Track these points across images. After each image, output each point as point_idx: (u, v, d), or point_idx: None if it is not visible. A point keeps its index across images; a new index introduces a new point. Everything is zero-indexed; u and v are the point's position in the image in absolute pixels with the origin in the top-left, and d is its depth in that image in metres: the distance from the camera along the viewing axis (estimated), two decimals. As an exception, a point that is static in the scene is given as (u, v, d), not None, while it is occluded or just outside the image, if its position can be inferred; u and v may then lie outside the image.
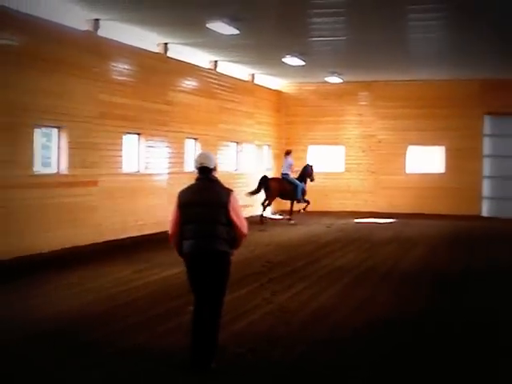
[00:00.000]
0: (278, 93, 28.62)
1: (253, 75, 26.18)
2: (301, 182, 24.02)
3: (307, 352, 7.99)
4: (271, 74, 26.76)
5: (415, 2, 14.60)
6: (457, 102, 26.67)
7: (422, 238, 19.97)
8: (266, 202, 23.83)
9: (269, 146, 27.91)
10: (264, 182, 23.58)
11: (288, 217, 24.07)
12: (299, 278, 12.89)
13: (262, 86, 27.07)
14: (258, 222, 22.76)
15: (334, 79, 26.19)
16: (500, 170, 27.07)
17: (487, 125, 27.14)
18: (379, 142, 27.70)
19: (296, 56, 21.09)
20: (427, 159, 27.50)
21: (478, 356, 7.92)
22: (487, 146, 27.16)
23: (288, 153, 24.38)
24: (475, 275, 13.76)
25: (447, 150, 27.13)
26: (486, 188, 27.21)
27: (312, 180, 24.45)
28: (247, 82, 25.81)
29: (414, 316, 9.96)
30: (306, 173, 24.36)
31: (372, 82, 27.38)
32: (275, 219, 25.39)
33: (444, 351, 8.02)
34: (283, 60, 21.71)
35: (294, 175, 24.14)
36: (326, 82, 26.97)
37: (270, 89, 28.00)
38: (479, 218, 26.19)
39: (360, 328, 9.15)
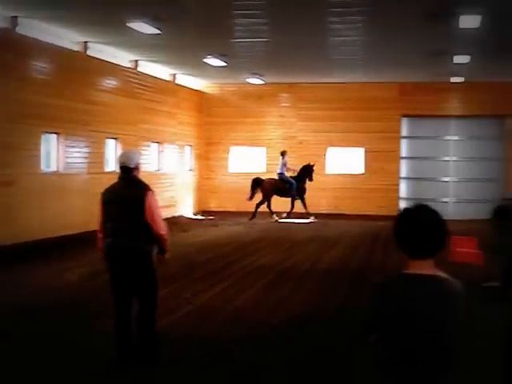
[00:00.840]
0: (200, 93, 28.60)
1: (174, 75, 26.09)
2: (299, 181, 25.04)
3: (226, 351, 8.04)
4: (193, 75, 26.73)
5: (335, 5, 14.81)
6: (376, 105, 27.17)
7: (342, 237, 20.29)
8: (261, 202, 25.14)
9: (191, 146, 27.86)
10: (256, 184, 25.07)
11: (285, 214, 25.17)
12: (220, 278, 12.95)
13: (183, 86, 27.00)
14: (250, 218, 24.63)
15: (256, 80, 26.34)
16: (416, 172, 27.75)
17: (405, 127, 27.78)
18: (300, 143, 27.97)
19: (217, 57, 21.13)
20: (347, 160, 27.91)
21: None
22: (404, 147, 27.79)
23: (283, 153, 25.25)
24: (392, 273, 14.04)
25: (366, 152, 27.60)
26: (403, 189, 27.84)
27: (311, 180, 25.30)
28: (169, 82, 25.71)
29: (332, 314, 10.13)
30: (306, 172, 25.34)
31: (293, 84, 27.63)
32: (197, 219, 25.37)
33: (349, 349, 8.12)
34: (205, 60, 21.72)
35: (290, 173, 25.27)
36: (247, 83, 27.09)
37: (192, 89, 27.96)
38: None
39: (279, 326, 9.27)
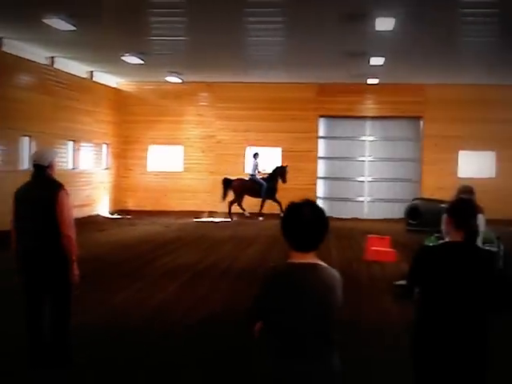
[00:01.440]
0: (118, 91, 28.27)
1: (91, 73, 25.71)
2: (270, 181, 25.53)
3: (139, 352, 7.98)
4: (110, 72, 26.40)
5: (253, 5, 14.87)
6: (294, 105, 27.39)
7: (259, 236, 20.38)
8: (233, 200, 25.76)
9: (108, 144, 27.51)
10: (227, 184, 25.59)
11: (259, 213, 25.74)
12: (136, 278, 12.83)
13: (100, 84, 26.64)
14: (227, 216, 25.35)
15: (174, 79, 26.20)
16: (333, 171, 28.13)
17: (322, 127, 28.12)
18: (218, 142, 27.98)
19: (135, 55, 20.93)
20: (266, 160, 28.01)
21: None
22: (322, 147, 28.12)
23: (255, 155, 25.95)
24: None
25: (284, 152, 27.80)
26: (321, 188, 28.18)
27: (284, 181, 25.68)
28: (86, 79, 25.32)
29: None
30: (277, 173, 25.78)
31: (212, 83, 27.59)
32: (114, 219, 25.08)
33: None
34: (122, 58, 21.48)
35: (260, 175, 25.91)
36: (166, 82, 26.92)
37: (110, 87, 27.61)
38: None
39: (194, 326, 9.25)
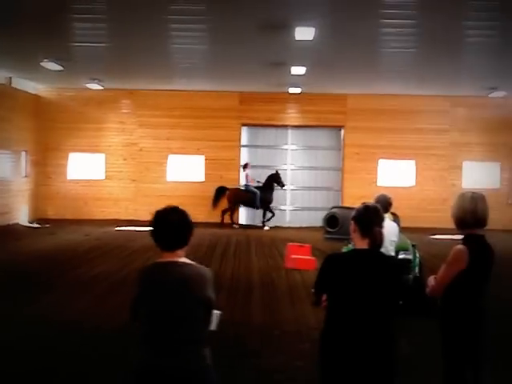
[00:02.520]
0: (37, 97, 27.72)
1: (10, 78, 25.15)
2: (264, 191, 25.59)
3: (52, 363, 7.82)
4: (29, 79, 25.88)
5: (176, 12, 14.76)
6: (216, 113, 27.37)
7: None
8: (226, 209, 25.90)
9: (26, 152, 26.93)
10: (220, 192, 25.81)
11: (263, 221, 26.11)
12: (52, 288, 12.57)
13: (19, 90, 26.07)
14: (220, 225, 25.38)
15: (95, 86, 25.85)
16: (256, 179, 28.17)
17: (244, 135, 28.19)
18: (140, 150, 27.73)
19: (54, 61, 20.54)
20: (188, 168, 27.93)
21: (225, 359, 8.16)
22: (244, 156, 28.18)
23: (245, 166, 26.16)
24: (228, 282, 14.17)
25: (206, 160, 27.75)
26: (244, 197, 28.19)
27: (282, 186, 25.95)
28: (4, 85, 24.75)
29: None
30: (272, 182, 25.86)
31: (134, 90, 27.35)
32: (33, 227, 24.55)
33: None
34: (41, 64, 21.06)
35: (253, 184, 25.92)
36: (86, 89, 26.54)
37: (29, 93, 27.05)
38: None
39: (111, 336, 9.10)
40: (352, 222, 4.70)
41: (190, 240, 4.52)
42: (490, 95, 25.43)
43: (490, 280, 5.43)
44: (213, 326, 4.60)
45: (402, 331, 9.38)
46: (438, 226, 23.99)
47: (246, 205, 26.38)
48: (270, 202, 26.02)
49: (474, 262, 5.19)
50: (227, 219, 25.91)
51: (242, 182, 26.46)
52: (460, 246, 5.25)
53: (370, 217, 4.68)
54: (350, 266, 4.63)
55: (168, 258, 4.41)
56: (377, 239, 4.64)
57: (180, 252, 4.47)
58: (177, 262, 4.39)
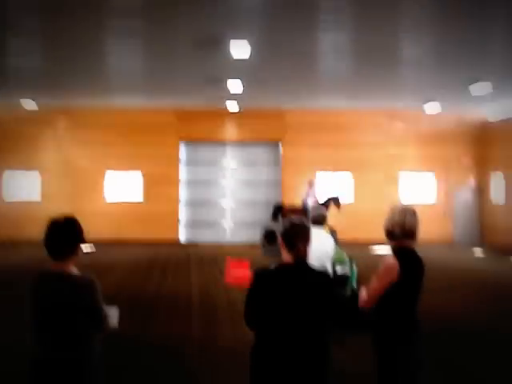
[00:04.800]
0: None
1: None
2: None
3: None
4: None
5: (111, 29, 14.59)
6: (154, 129, 27.21)
7: (120, 263, 20.02)
8: None
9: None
10: (278, 210, 23.98)
11: None
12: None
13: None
14: None
15: (29, 103, 25.27)
16: (196, 196, 28.08)
17: (183, 152, 28.06)
18: (76, 168, 27.28)
19: None
20: (126, 186, 27.62)
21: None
22: (183, 172, 28.05)
23: (310, 183, 24.62)
24: (167, 299, 14.02)
25: (145, 177, 27.51)
26: (184, 213, 28.04)
27: (339, 208, 24.21)
28: None
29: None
30: (329, 203, 24.14)
31: (70, 108, 26.92)
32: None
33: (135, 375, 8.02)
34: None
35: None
36: (20, 106, 25.94)
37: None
38: (177, 243, 26.85)
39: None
40: (280, 237, 4.70)
41: (78, 250, 4.69)
42: (425, 108, 25.83)
43: (421, 292, 5.44)
44: (113, 324, 4.88)
45: (340, 344, 9.40)
46: (375, 238, 24.21)
47: None
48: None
49: (405, 274, 5.21)
50: None
51: (304, 199, 25.02)
52: (390, 259, 5.27)
53: (296, 232, 4.66)
54: (276, 280, 4.60)
55: (55, 266, 4.62)
56: (300, 254, 4.63)
57: (69, 261, 4.65)
58: (62, 272, 4.59)
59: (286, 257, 4.66)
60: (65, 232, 4.64)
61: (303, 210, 25.19)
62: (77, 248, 4.69)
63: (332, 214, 24.06)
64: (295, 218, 4.83)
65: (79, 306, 4.51)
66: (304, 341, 4.49)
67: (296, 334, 4.49)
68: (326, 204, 25.38)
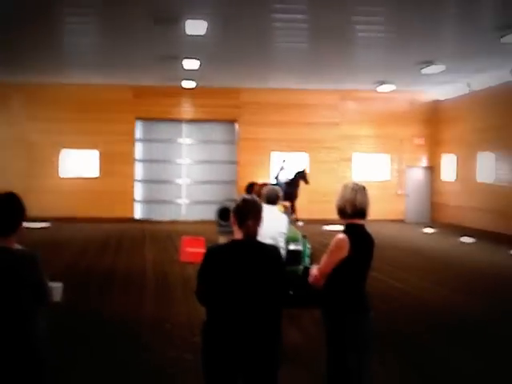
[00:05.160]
0: None
1: None
2: (290, 187, 25.13)
3: None
4: None
5: (68, 4, 14.51)
6: (110, 107, 27.04)
7: (75, 240, 20.01)
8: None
9: None
10: (250, 189, 24.08)
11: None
12: None
13: None
14: None
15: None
16: (151, 174, 28.07)
17: (139, 130, 27.99)
18: (31, 144, 27.05)
19: None
20: (82, 163, 27.46)
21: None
22: (139, 150, 28.00)
23: (283, 162, 26.24)
24: (122, 275, 14.09)
25: (101, 154, 27.40)
26: (139, 191, 28.03)
27: (307, 183, 25.76)
28: None
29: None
30: (298, 178, 25.78)
31: (25, 84, 26.59)
32: None
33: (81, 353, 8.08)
34: None
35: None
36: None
37: None
38: (133, 220, 26.87)
39: None
40: (231, 214, 4.83)
41: (20, 226, 4.65)
42: (378, 89, 26.16)
43: (370, 268, 5.62)
44: (57, 298, 5.00)
45: (292, 320, 9.62)
46: (330, 216, 24.52)
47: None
48: (295, 197, 25.68)
49: (355, 251, 5.38)
50: None
51: (275, 176, 26.32)
52: (341, 235, 5.43)
53: (248, 209, 4.80)
54: (226, 256, 4.74)
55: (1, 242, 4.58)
56: (249, 231, 4.76)
57: (11, 238, 4.61)
58: (5, 247, 4.56)
59: (237, 233, 4.79)
60: (5, 208, 4.60)
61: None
62: (19, 224, 4.65)
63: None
64: (247, 196, 4.97)
65: (22, 281, 4.52)
66: (254, 314, 4.64)
67: (246, 308, 4.64)
68: (295, 180, 25.72)
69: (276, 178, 26.22)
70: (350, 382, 5.43)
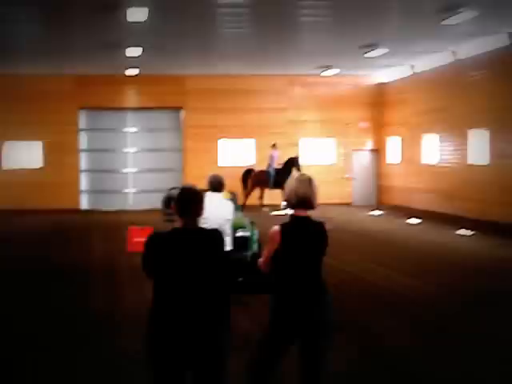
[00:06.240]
0: None
1: None
2: (281, 174, 23.95)
3: None
4: None
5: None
6: (53, 97, 26.65)
7: (20, 232, 19.74)
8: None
9: None
10: (247, 175, 25.76)
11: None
12: None
13: None
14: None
15: None
16: (97, 164, 27.76)
17: (83, 119, 27.63)
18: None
19: None
20: (25, 154, 27.00)
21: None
22: (83, 140, 27.65)
23: (274, 146, 25.95)
24: (68, 266, 13.93)
25: (45, 145, 27.00)
26: (84, 181, 27.72)
27: (299, 170, 24.16)
28: None
29: None
30: (290, 165, 25.12)
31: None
32: None
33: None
34: None
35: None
36: None
37: None
38: (78, 211, 26.57)
39: None
40: (173, 203, 4.81)
41: None
42: (323, 73, 26.25)
43: (319, 257, 5.54)
44: None
45: (242, 307, 9.62)
46: (277, 202, 24.60)
47: (262, 186, 25.93)
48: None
49: (288, 242, 5.35)
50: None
51: (271, 162, 25.95)
52: (275, 227, 5.45)
53: (187, 198, 4.80)
54: (168, 243, 4.73)
55: None
56: (191, 219, 4.76)
57: None
58: None
59: (179, 222, 4.79)
60: None
61: (265, 175, 25.68)
62: None
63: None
64: (187, 185, 4.96)
65: None
66: (198, 302, 4.63)
67: (189, 296, 4.62)
68: (286, 167, 25.47)
69: (269, 164, 25.97)
70: (269, 369, 5.40)
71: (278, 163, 25.76)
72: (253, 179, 25.92)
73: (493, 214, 20.07)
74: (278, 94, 28.17)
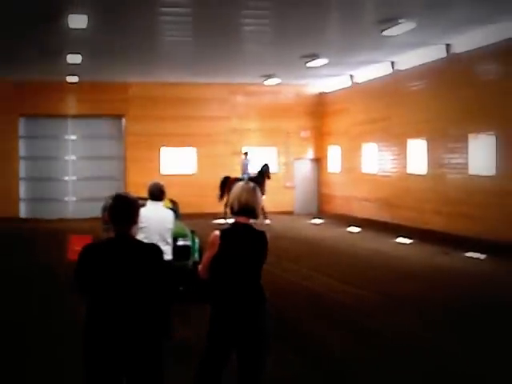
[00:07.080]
0: None
1: None
2: (256, 180, 22.30)
3: None
4: None
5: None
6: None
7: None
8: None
9: None
10: (224, 183, 24.41)
11: None
12: None
13: None
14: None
15: None
16: (36, 172, 27.36)
17: (22, 127, 27.21)
18: None
19: None
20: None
21: None
22: (23, 147, 27.23)
23: (245, 154, 25.35)
24: (5, 274, 13.73)
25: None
26: (23, 189, 27.29)
27: (269, 178, 24.79)
28: None
29: None
30: (264, 172, 24.78)
31: None
32: None
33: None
34: None
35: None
36: None
37: None
38: (18, 219, 26.14)
39: None
40: (106, 212, 4.78)
41: None
42: (265, 82, 26.42)
43: (259, 265, 5.55)
44: None
45: (183, 317, 9.60)
46: (219, 211, 24.60)
47: None
48: (262, 194, 24.59)
49: (226, 248, 5.37)
50: None
51: (245, 169, 25.35)
52: (215, 232, 5.47)
53: (119, 208, 4.76)
54: (102, 254, 4.69)
55: None
56: (123, 229, 4.71)
57: None
58: None
59: (113, 231, 4.76)
60: None
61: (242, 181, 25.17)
62: None
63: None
64: (121, 192, 4.93)
65: None
66: (131, 313, 4.59)
67: (122, 308, 4.59)
68: (261, 174, 25.28)
69: (244, 172, 25.52)
70: (212, 380, 5.41)
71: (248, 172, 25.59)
72: (229, 187, 25.67)
73: (429, 222, 20.45)
74: (221, 102, 28.23)
